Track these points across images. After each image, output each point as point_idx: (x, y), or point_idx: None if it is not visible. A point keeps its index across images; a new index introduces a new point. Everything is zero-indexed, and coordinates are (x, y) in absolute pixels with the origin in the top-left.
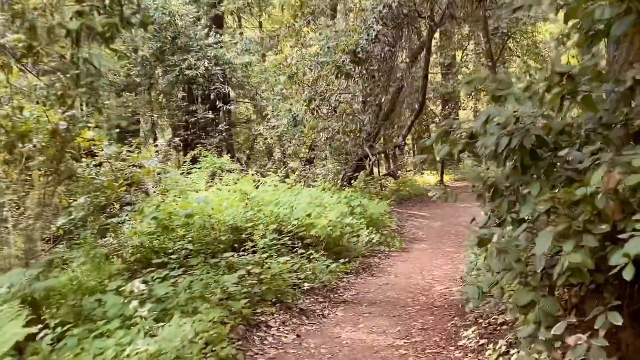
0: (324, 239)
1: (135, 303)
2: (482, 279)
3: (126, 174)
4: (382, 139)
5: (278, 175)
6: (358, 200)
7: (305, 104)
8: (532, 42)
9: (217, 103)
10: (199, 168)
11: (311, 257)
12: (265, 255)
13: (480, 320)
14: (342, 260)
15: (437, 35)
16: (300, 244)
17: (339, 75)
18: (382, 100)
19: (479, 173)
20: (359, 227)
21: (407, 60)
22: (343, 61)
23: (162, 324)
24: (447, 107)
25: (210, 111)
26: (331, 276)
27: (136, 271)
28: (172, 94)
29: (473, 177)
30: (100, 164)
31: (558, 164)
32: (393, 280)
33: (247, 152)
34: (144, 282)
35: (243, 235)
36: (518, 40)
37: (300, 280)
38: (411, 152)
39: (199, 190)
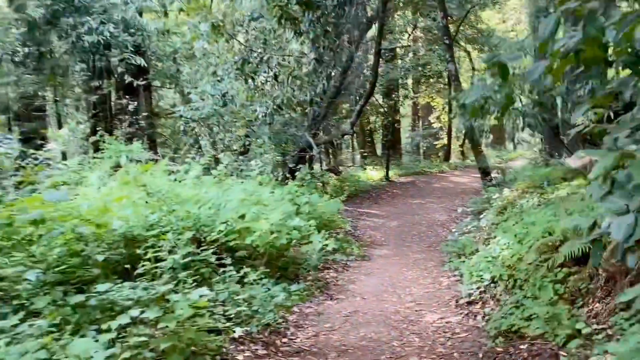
0: (265, 250)
1: None
2: None
3: None
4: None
5: (202, 165)
6: (305, 197)
7: (236, 66)
8: (479, 30)
9: (126, 77)
10: (101, 158)
11: (246, 279)
12: (172, 283)
13: None
14: (293, 287)
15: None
16: (230, 259)
17: (282, 20)
18: (332, 73)
19: None
20: (309, 231)
21: (356, 36)
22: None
23: None
24: (392, 95)
25: (122, 93)
26: (277, 309)
27: None
28: (68, 66)
29: None
30: None
31: None
32: (361, 305)
33: (175, 147)
34: None
35: (142, 250)
36: (471, 25)
37: (228, 323)
38: (350, 147)
39: (90, 185)
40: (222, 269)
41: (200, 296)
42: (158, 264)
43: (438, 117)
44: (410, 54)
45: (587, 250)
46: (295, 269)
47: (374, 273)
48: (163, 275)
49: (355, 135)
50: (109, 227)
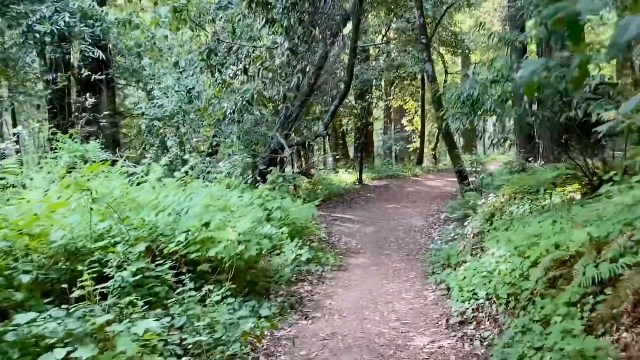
0: (232, 263)
1: None
2: None
3: None
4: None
5: (163, 166)
6: (277, 202)
7: (201, 57)
8: (454, 32)
9: (83, 71)
10: (54, 158)
11: (209, 298)
12: (118, 307)
13: None
14: (264, 311)
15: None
16: (190, 275)
17: (252, 4)
18: (307, 68)
19: None
20: (281, 239)
21: (332, 29)
22: None
23: None
24: (366, 97)
25: (82, 89)
26: (244, 337)
27: None
28: (19, 58)
29: None
30: None
31: None
32: (340, 325)
33: (140, 148)
34: None
35: (85, 266)
36: (445, 26)
37: (185, 359)
38: (322, 149)
39: (34, 188)
40: (181, 287)
41: (146, 331)
42: (105, 284)
43: (410, 120)
44: (384, 55)
45: (614, 271)
46: (265, 283)
47: (352, 285)
48: (108, 297)
49: (327, 137)
50: (47, 238)
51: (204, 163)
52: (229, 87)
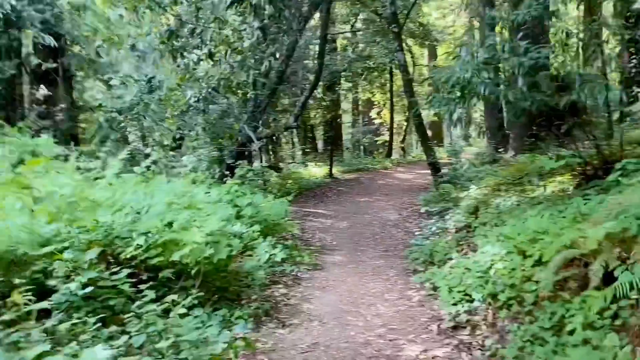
0: (199, 267)
1: None
2: None
3: None
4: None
5: (122, 160)
6: (247, 198)
7: (161, 40)
8: (422, 23)
9: (32, 59)
10: None
11: (173, 310)
12: (65, 325)
13: None
14: (238, 328)
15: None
16: (152, 283)
17: None
18: (277, 54)
19: None
20: (254, 238)
21: (303, 13)
22: None
23: None
24: (335, 88)
25: (36, 81)
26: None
27: None
28: None
29: None
30: None
31: None
32: (322, 333)
33: (100, 144)
34: None
35: (26, 277)
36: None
37: None
38: (290, 143)
39: None
40: (142, 298)
41: None
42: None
43: (379, 113)
44: (353, 46)
45: None
46: (237, 288)
47: (330, 286)
48: (52, 315)
49: (296, 130)
50: None
51: (167, 157)
52: (193, 75)
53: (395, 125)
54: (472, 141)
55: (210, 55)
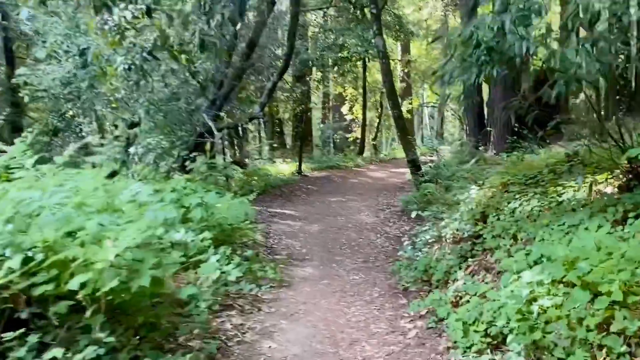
0: (112, 297)
1: None
2: None
3: None
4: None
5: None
6: (198, 196)
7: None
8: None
9: None
10: None
11: None
12: None
13: None
14: None
15: None
16: (37, 321)
17: None
18: (240, 30)
19: None
20: (201, 248)
21: None
22: None
23: None
24: (305, 79)
25: None
26: None
27: None
28: None
29: None
30: None
31: None
32: None
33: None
34: None
35: None
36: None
37: None
38: (257, 138)
39: None
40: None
41: None
42: None
43: (351, 109)
44: (325, 34)
45: None
46: (171, 323)
47: (299, 313)
48: None
49: (264, 125)
50: None
51: (114, 148)
52: (126, 37)
53: (367, 122)
54: (447, 139)
55: (148, 12)
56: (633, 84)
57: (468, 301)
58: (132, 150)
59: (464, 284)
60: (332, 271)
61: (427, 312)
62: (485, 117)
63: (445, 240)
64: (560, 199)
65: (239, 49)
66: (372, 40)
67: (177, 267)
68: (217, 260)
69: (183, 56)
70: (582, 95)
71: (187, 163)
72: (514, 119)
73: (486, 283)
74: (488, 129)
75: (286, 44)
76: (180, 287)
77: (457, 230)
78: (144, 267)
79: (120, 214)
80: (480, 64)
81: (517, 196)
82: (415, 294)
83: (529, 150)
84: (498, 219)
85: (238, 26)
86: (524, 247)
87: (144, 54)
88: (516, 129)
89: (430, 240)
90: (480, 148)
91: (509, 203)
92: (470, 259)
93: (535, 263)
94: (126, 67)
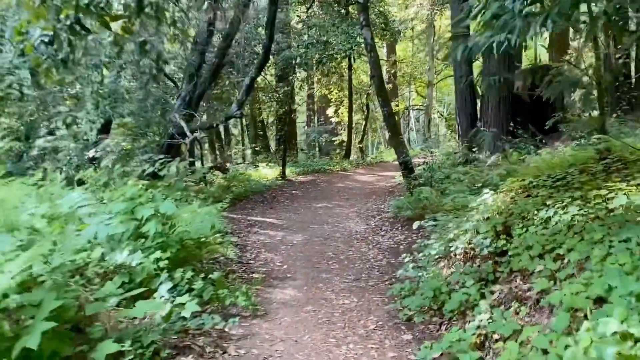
0: None
1: None
2: None
3: None
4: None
5: None
6: (151, 207)
7: None
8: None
9: None
10: None
11: None
12: None
13: None
14: None
15: None
16: None
17: None
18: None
19: None
20: (151, 272)
21: None
22: None
23: None
24: (289, 78)
25: None
26: None
27: None
28: None
29: None
30: None
31: None
32: None
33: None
34: None
35: None
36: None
37: None
38: (240, 142)
39: None
40: None
41: None
42: None
43: (336, 112)
44: (309, 30)
45: None
46: None
47: (275, 357)
48: None
49: (246, 128)
50: None
51: (71, 151)
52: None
53: (353, 125)
54: (434, 142)
55: None
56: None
57: (503, 347)
58: (90, 153)
59: (490, 319)
60: (318, 293)
61: (441, 354)
62: (479, 117)
63: (455, 256)
64: (609, 205)
65: (214, 44)
66: (358, 37)
67: (101, 308)
68: (174, 287)
69: (119, 26)
70: (577, 92)
71: (157, 167)
72: (510, 118)
73: (520, 318)
74: (482, 129)
75: (264, 33)
76: (118, 328)
77: (472, 244)
78: (38, 317)
79: (19, 234)
80: (525, 15)
81: (547, 202)
82: (422, 327)
83: (526, 150)
84: (526, 231)
85: (211, 15)
86: (576, 271)
87: (70, 22)
88: (511, 129)
89: (436, 256)
90: (473, 149)
91: (538, 211)
92: (493, 284)
93: (601, 299)
94: (46, 40)
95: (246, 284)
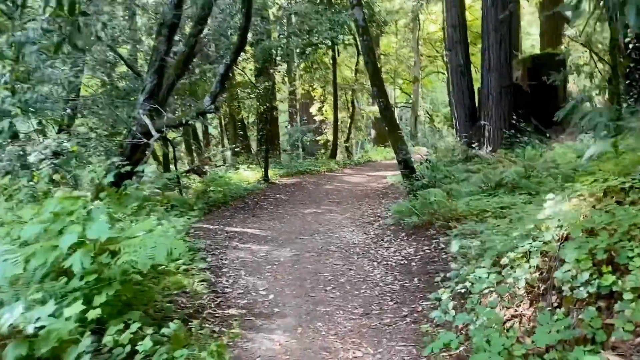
0: None
1: None
2: None
3: None
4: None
5: None
6: (77, 231)
7: None
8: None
9: None
10: None
11: None
12: None
13: None
14: None
15: None
16: None
17: None
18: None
19: None
20: (68, 335)
21: None
22: None
23: None
24: (270, 72)
25: None
26: None
27: None
28: None
29: None
30: None
31: None
32: None
33: None
34: None
35: None
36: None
37: None
38: (220, 144)
39: None
40: None
41: None
42: None
43: (320, 109)
44: (290, 18)
45: None
46: None
47: None
48: None
49: (225, 128)
50: None
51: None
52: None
53: (338, 123)
54: (420, 141)
55: None
56: None
57: None
58: (33, 157)
59: None
60: (316, 339)
61: None
62: (477, 109)
63: (517, 292)
64: None
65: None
66: (344, 24)
67: None
68: (109, 351)
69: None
70: (581, 82)
71: (114, 173)
72: (512, 111)
73: None
74: (482, 122)
75: (240, 13)
76: None
77: (546, 275)
78: None
79: None
80: None
81: None
82: None
83: (531, 145)
84: (631, 261)
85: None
86: None
87: None
88: (514, 122)
89: (484, 291)
90: (473, 145)
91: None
92: (604, 348)
93: None
94: None
95: (219, 330)
